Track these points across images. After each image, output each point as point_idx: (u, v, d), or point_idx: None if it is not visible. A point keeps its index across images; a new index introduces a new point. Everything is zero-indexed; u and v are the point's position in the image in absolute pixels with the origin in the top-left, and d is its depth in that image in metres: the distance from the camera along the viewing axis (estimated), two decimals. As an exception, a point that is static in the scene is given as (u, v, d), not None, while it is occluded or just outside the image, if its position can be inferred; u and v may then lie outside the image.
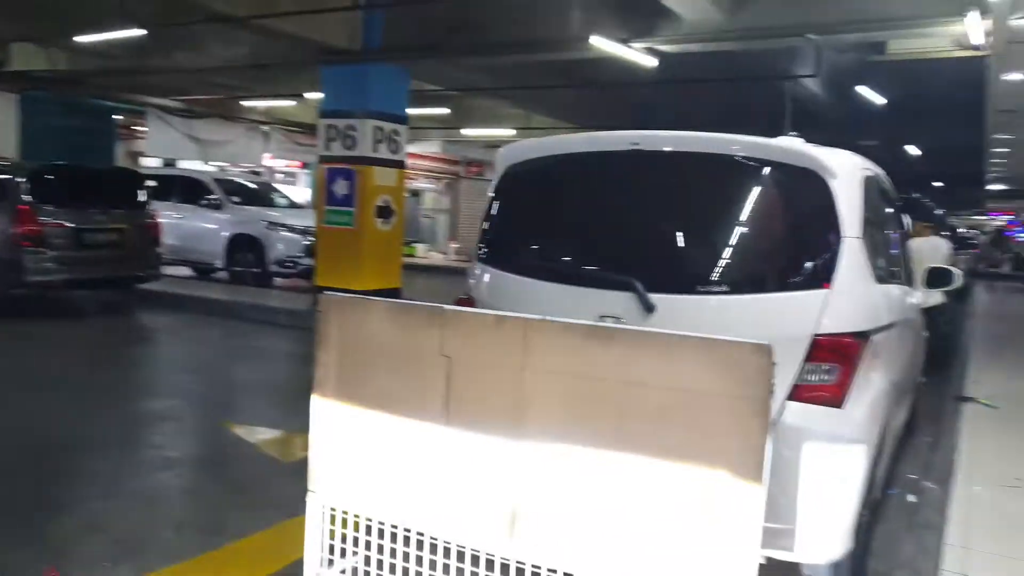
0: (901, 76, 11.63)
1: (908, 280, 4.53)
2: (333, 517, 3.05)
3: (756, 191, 3.29)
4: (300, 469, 4.27)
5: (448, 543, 2.83)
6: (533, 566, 2.67)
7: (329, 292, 3.10)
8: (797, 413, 2.87)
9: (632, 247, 3.36)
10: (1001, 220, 37.22)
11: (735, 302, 3.08)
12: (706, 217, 3.33)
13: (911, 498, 4.29)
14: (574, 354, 2.61)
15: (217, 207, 13.30)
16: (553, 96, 14.36)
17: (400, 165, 10.93)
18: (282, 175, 22.79)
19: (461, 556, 2.80)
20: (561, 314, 2.68)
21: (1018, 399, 6.60)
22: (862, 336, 3.07)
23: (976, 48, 7.41)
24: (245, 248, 13.01)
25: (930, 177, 23.20)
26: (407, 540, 2.90)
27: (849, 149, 3.51)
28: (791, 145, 3.24)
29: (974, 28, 6.84)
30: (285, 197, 15.18)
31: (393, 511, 2.93)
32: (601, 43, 8.45)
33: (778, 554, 2.78)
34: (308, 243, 12.50)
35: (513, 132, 18.99)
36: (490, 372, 2.75)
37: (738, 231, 3.28)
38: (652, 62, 9.04)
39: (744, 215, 3.28)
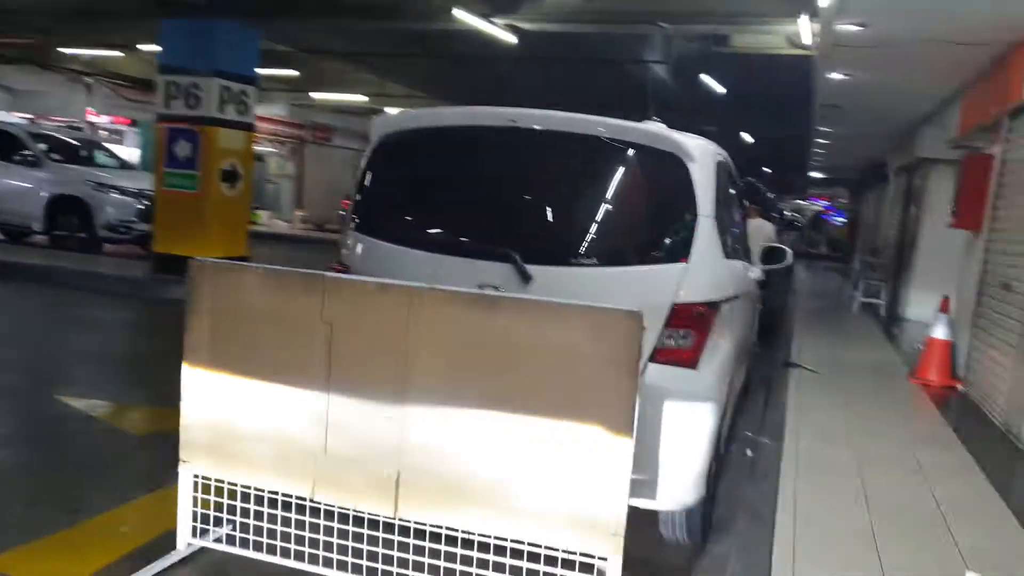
0: (742, 68, 12.53)
1: (747, 256, 4.97)
2: (206, 486, 2.99)
3: (622, 171, 3.49)
4: (155, 442, 4.13)
5: (330, 506, 2.85)
6: (416, 523, 2.76)
7: (201, 258, 3.00)
8: (657, 374, 3.12)
9: (508, 220, 3.49)
10: (819, 205, 40.69)
11: (604, 274, 3.28)
12: (577, 194, 3.50)
13: (749, 452, 4.74)
14: (458, 321, 2.70)
15: (34, 164, 12.11)
16: (409, 65, 14.19)
17: (249, 127, 10.47)
18: (107, 132, 20.98)
19: (344, 518, 2.84)
20: (439, 283, 2.75)
21: (835, 364, 7.44)
22: (713, 305, 3.37)
23: (806, 47, 8.14)
24: (68, 210, 11.94)
25: (762, 163, 25.05)
26: (286, 505, 2.89)
27: (692, 132, 3.79)
28: (655, 130, 3.47)
29: (804, 29, 7.51)
30: (114, 156, 14.05)
31: (271, 478, 2.91)
32: (464, 16, 8.48)
33: (640, 502, 3.02)
34: (143, 207, 11.69)
35: (365, 98, 18.60)
36: (373, 339, 2.78)
37: (606, 208, 3.48)
38: (512, 39, 9.18)
39: (611, 193, 3.48)
